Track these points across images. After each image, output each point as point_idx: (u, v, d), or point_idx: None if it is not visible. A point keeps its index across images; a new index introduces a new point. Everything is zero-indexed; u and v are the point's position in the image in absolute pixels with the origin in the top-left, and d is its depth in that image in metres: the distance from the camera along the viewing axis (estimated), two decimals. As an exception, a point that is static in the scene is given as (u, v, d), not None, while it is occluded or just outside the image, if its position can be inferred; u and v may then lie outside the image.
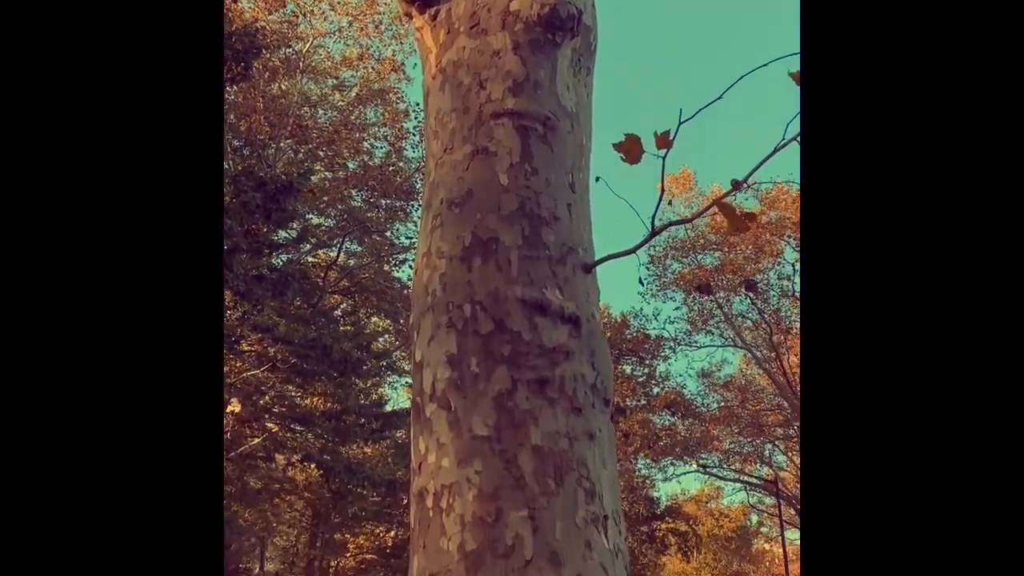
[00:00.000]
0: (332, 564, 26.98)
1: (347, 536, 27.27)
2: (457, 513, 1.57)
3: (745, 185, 1.57)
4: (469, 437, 1.62)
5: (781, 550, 30.16)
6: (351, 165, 23.19)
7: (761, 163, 1.69)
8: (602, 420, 1.75)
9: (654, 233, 1.68)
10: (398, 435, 24.75)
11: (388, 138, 23.33)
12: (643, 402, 30.46)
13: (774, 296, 25.89)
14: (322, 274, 22.73)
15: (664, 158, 1.67)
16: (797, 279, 24.48)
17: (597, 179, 1.99)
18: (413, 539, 1.68)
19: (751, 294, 22.54)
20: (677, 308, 27.24)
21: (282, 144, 20.71)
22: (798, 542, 36.78)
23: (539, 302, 1.71)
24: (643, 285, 25.21)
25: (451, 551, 1.54)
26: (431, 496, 1.63)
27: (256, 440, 19.28)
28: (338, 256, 24.52)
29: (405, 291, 23.93)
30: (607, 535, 1.61)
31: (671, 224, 1.76)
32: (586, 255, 1.86)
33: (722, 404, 30.48)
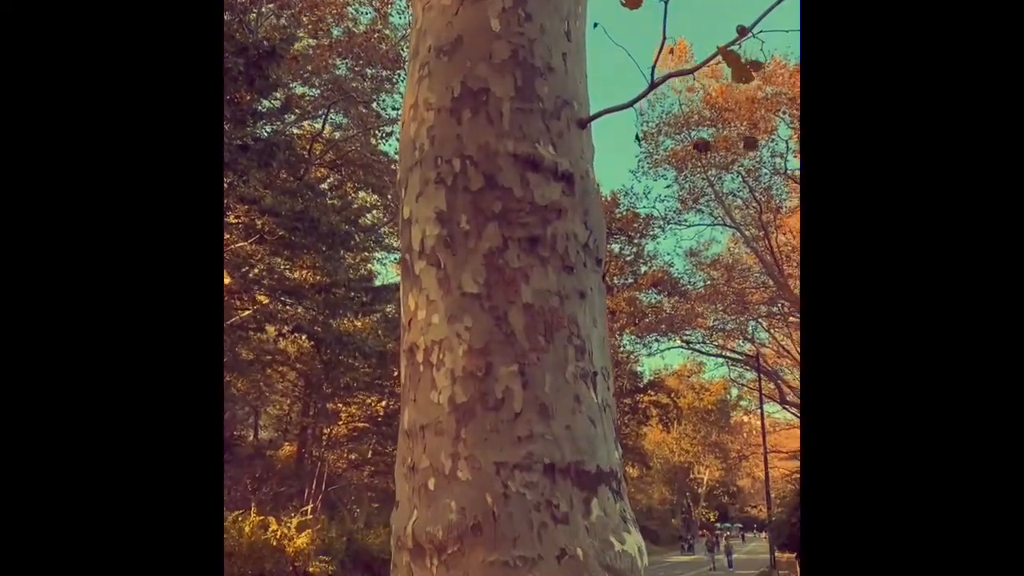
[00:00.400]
0: (325, 431, 27.91)
1: (339, 405, 28.08)
2: (447, 368, 1.57)
3: (751, 33, 1.49)
4: (459, 294, 1.60)
5: (759, 421, 31.39)
6: (335, 32, 22.30)
7: (767, 11, 1.60)
8: (593, 279, 1.73)
9: (653, 85, 1.61)
10: (388, 309, 25.05)
11: (373, 2, 22.34)
12: (630, 281, 30.83)
13: (766, 174, 25.73)
14: (307, 146, 22.29)
15: (667, 1, 1.57)
16: (791, 156, 24.24)
17: (595, 25, 1.88)
18: (404, 393, 1.68)
19: (751, 152, 22.26)
20: (668, 186, 27.11)
21: (263, 9, 19.79)
22: (775, 414, 38.30)
23: (531, 158, 1.65)
24: (640, 143, 24.83)
25: (441, 404, 1.55)
26: (421, 351, 1.63)
27: (247, 312, 19.47)
28: (323, 127, 23.99)
29: (392, 165, 23.57)
30: (596, 390, 1.63)
31: (671, 75, 1.68)
32: (581, 109, 1.78)
33: (708, 282, 30.88)
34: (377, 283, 24.94)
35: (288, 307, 21.78)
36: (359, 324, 25.33)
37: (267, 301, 21.03)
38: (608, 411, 1.66)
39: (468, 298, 1.59)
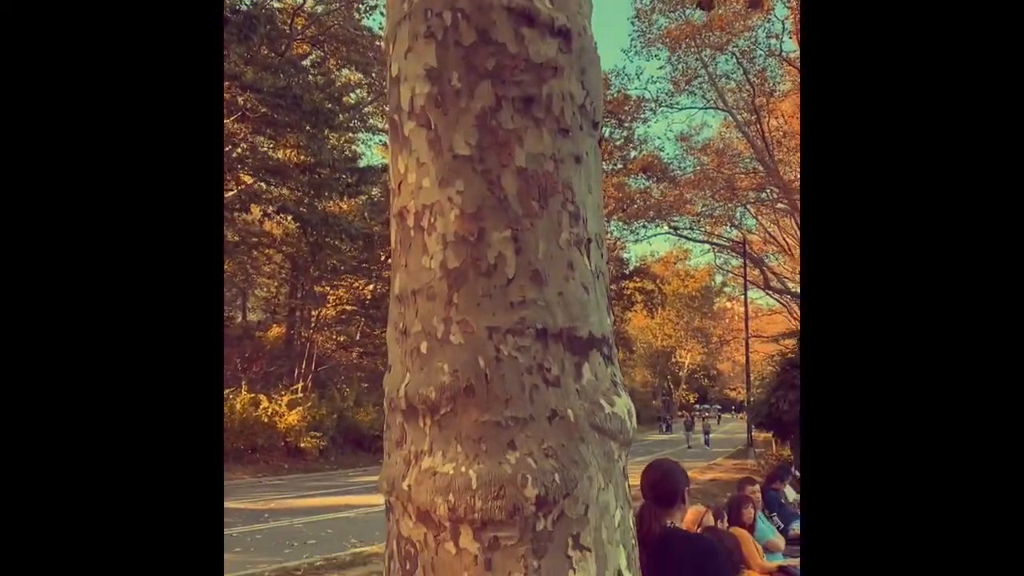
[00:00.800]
0: (313, 313, 28.20)
1: (327, 288, 28.26)
2: (439, 232, 1.54)
3: None
4: (450, 156, 1.55)
5: (742, 308, 31.89)
6: None
7: None
8: (589, 143, 1.67)
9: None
10: (373, 192, 24.80)
11: None
12: (619, 166, 30.53)
13: (760, 55, 25.08)
14: (288, 20, 21.41)
15: None
16: (786, 38, 23.57)
17: None
18: (394, 259, 1.66)
19: (755, 11, 21.50)
20: (661, 67, 26.48)
21: None
22: (759, 300, 38.95)
23: (527, 11, 1.56)
24: None
25: (433, 269, 1.53)
26: (412, 216, 1.59)
27: (231, 192, 19.21)
28: (305, 0, 22.98)
29: (376, 42, 22.75)
30: (589, 257, 1.60)
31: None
32: (580, -40, 1.67)
33: (698, 168, 30.60)
34: (362, 164, 24.58)
35: (273, 187, 21.52)
36: (344, 207, 25.14)
37: (251, 181, 20.74)
38: (601, 278, 1.64)
39: (460, 160, 1.54)
